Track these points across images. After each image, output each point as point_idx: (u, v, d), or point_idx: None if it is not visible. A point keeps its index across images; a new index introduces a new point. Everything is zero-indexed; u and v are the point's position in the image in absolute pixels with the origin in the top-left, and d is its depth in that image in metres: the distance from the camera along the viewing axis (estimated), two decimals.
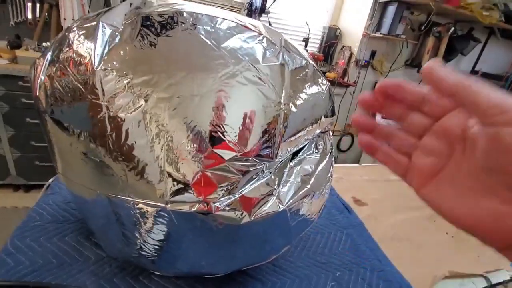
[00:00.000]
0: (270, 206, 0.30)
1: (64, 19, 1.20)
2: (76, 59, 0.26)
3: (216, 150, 0.25)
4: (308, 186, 0.36)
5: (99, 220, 0.37)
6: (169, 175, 0.25)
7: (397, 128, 0.22)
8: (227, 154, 0.25)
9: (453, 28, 1.81)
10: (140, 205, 0.29)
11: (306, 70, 0.30)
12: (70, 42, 0.27)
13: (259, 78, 0.26)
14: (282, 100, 0.28)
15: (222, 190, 0.26)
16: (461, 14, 1.75)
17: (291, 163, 0.35)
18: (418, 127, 0.20)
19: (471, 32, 1.96)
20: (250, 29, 0.27)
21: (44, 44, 1.34)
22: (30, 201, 1.37)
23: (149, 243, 0.34)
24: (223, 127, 0.25)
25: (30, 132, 1.36)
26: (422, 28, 1.82)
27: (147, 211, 0.29)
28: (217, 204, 0.26)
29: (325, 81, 0.32)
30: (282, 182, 0.33)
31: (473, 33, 1.95)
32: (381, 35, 1.77)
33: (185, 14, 0.25)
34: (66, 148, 0.32)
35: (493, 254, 0.61)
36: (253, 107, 0.26)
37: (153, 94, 0.24)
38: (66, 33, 0.28)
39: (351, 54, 1.92)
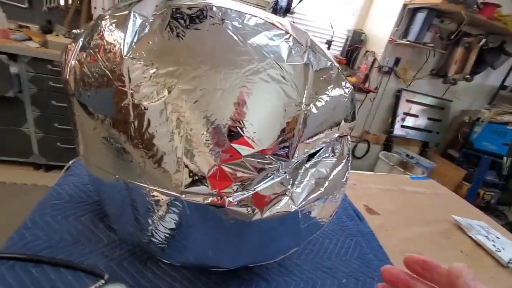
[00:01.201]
0: (282, 206, 0.30)
1: (95, 7, 1.24)
2: (106, 46, 0.27)
3: (234, 145, 0.25)
4: (322, 189, 0.35)
5: (114, 203, 0.38)
6: (186, 166, 0.26)
7: None
8: (244, 150, 0.25)
9: (484, 40, 1.73)
10: (155, 193, 0.29)
11: (331, 72, 0.30)
12: (102, 29, 0.28)
13: (283, 77, 0.26)
14: (303, 101, 0.27)
15: (236, 185, 0.26)
16: (494, 26, 1.67)
17: (306, 165, 0.35)
18: None
19: (503, 45, 1.88)
20: (278, 27, 0.27)
21: (74, 31, 1.39)
22: (49, 180, 1.43)
23: (160, 231, 0.35)
24: (242, 122, 0.25)
25: (55, 114, 1.42)
26: (452, 38, 1.75)
27: (161, 199, 0.30)
28: (230, 199, 0.27)
29: (348, 85, 0.32)
30: (296, 183, 0.32)
31: (505, 46, 1.87)
32: (408, 42, 1.72)
33: (214, 9, 0.26)
34: (89, 131, 0.33)
35: (508, 276, 0.59)
36: (274, 105, 0.26)
37: (177, 85, 0.25)
38: (98, 21, 0.29)
39: (375, 59, 1.88)
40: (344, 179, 0.40)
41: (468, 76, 1.92)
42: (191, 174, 0.26)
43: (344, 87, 0.32)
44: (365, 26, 1.99)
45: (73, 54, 0.30)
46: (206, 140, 0.25)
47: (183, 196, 0.27)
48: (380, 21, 1.87)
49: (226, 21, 0.26)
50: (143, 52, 0.25)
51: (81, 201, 0.50)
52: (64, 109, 1.32)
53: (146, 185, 0.29)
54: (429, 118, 2.19)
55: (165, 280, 0.40)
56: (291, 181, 0.32)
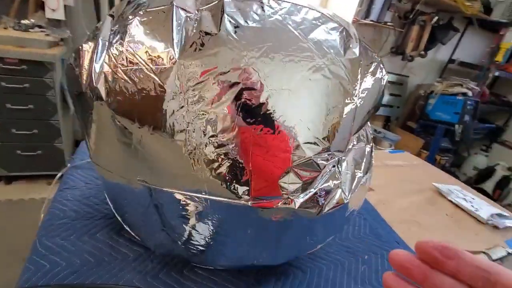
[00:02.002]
0: (337, 199, 0.30)
1: None
2: (148, 47, 0.24)
3: (303, 146, 0.25)
4: (358, 177, 0.36)
5: (140, 210, 0.36)
6: (253, 172, 0.25)
7: None
8: (311, 150, 0.25)
9: (436, 17, 1.87)
10: (203, 201, 0.28)
11: (374, 63, 0.30)
12: (136, 27, 0.25)
13: (342, 72, 0.25)
14: (357, 94, 0.27)
15: (304, 185, 0.26)
16: (445, 4, 1.81)
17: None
18: None
19: (451, 21, 2.05)
20: (332, 20, 0.26)
21: (23, 21, 1.19)
22: (13, 193, 1.27)
23: (198, 236, 0.33)
24: (309, 122, 0.24)
25: (12, 119, 1.23)
26: (410, 17, 1.86)
27: (205, 206, 0.28)
28: (298, 200, 0.26)
29: (384, 74, 0.32)
30: (342, 174, 0.33)
31: (453, 23, 2.04)
32: (371, 22, 1.80)
33: (271, 2, 0.24)
34: (114, 139, 0.29)
35: (489, 232, 0.67)
36: (336, 102, 0.26)
37: (240, 87, 0.23)
38: (129, 17, 0.26)
39: None
40: (371, 162, 0.41)
41: (422, 52, 2.08)
42: (261, 181, 0.25)
43: (381, 77, 0.32)
44: (329, 7, 2.02)
45: (96, 56, 0.27)
46: (275, 144, 0.24)
47: (250, 202, 0.26)
48: (343, 1, 1.91)
49: (285, 15, 0.24)
50: (198, 53, 0.23)
51: (90, 216, 0.45)
52: (24, 112, 1.14)
53: (202, 195, 0.27)
54: (390, 94, 2.34)
55: (206, 285, 0.38)
56: (338, 173, 0.32)
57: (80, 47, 0.29)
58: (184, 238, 0.35)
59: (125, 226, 0.42)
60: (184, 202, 0.30)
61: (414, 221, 0.71)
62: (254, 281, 0.41)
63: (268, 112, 0.24)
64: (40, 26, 1.14)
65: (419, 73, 2.40)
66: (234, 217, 0.30)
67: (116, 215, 0.43)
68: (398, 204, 0.76)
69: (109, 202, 0.43)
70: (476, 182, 2.33)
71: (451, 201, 0.82)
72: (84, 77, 0.28)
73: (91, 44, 0.28)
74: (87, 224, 0.44)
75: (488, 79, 2.19)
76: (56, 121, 1.20)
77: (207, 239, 0.34)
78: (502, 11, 2.04)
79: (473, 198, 0.83)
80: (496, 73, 2.18)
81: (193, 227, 0.33)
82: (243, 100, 0.23)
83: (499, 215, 0.75)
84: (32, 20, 1.13)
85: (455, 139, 2.17)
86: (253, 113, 0.24)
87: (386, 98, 2.34)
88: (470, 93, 2.12)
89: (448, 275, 0.15)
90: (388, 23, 1.86)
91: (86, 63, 0.28)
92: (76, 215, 0.45)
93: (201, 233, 0.33)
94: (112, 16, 0.30)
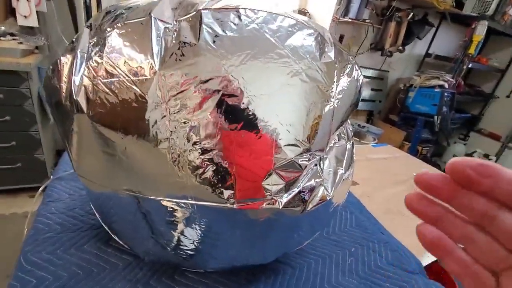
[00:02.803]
0: (320, 196, 0.32)
1: (17, 0, 1.04)
2: (127, 59, 0.24)
3: (284, 148, 0.26)
4: (340, 173, 0.38)
5: (127, 219, 0.36)
6: (238, 176, 0.25)
7: (479, 229, 0.14)
8: (293, 151, 0.26)
9: (412, 14, 1.94)
10: (190, 206, 0.29)
11: (348, 64, 0.31)
12: (115, 39, 0.25)
13: (319, 76, 0.27)
14: (334, 95, 0.29)
15: (287, 185, 0.27)
16: (419, 0, 1.87)
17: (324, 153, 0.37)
18: None
19: (426, 17, 2.12)
20: (307, 26, 0.27)
21: None
22: None
23: (186, 240, 0.34)
24: (289, 125, 0.26)
25: None
26: (387, 13, 1.91)
27: (192, 211, 0.29)
28: (281, 200, 0.27)
29: (359, 73, 0.34)
30: (324, 172, 0.34)
31: (428, 18, 2.11)
32: (350, 20, 1.83)
33: (247, 11, 0.25)
34: (98, 149, 0.29)
35: None
36: (314, 104, 0.27)
37: (220, 94, 0.24)
38: (106, 29, 0.26)
39: None
40: (353, 158, 0.43)
41: (400, 47, 2.14)
42: (245, 183, 0.25)
43: (356, 76, 0.34)
44: (309, 6, 2.05)
45: (75, 69, 0.27)
46: (257, 147, 0.25)
47: (236, 205, 0.27)
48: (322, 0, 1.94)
49: (262, 24, 0.25)
50: (178, 63, 0.23)
51: (76, 228, 0.45)
52: (0, 124, 1.09)
53: (188, 201, 0.28)
54: (372, 89, 2.40)
55: None
56: (320, 171, 0.33)
57: (58, 60, 0.29)
58: (173, 244, 0.35)
59: (112, 235, 0.41)
60: (171, 209, 0.31)
61: (398, 211, 0.74)
62: (245, 281, 0.41)
63: (249, 117, 0.25)
64: (12, 34, 1.10)
65: (398, 67, 2.47)
66: (221, 221, 0.31)
67: (103, 224, 0.42)
68: (382, 196, 0.79)
69: (96, 212, 0.43)
70: None
71: None
72: (64, 89, 0.28)
73: (69, 56, 0.28)
74: (73, 237, 0.43)
75: (462, 71, 2.29)
76: (35, 132, 1.16)
77: (196, 243, 0.34)
78: (473, 5, 2.13)
79: None
80: (470, 65, 2.28)
81: (182, 233, 0.33)
82: (224, 106, 0.24)
83: None
84: (3, 28, 1.08)
85: (435, 130, 2.25)
86: (235, 119, 0.24)
87: (368, 93, 2.40)
88: (446, 85, 2.21)
89: (480, 194, 0.14)
90: (367, 20, 1.91)
91: (65, 75, 0.28)
92: (61, 228, 0.44)
93: (189, 238, 0.33)
94: (89, 27, 0.30)
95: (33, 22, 1.10)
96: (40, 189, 0.54)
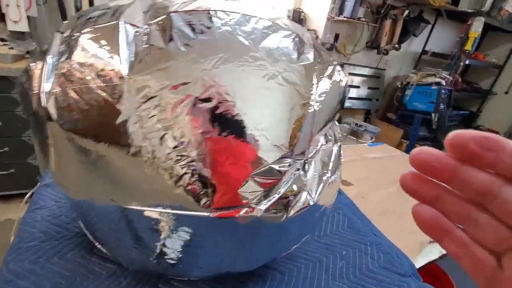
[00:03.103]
0: (303, 201, 0.31)
1: (7, 5, 1.03)
2: (96, 64, 0.23)
3: (260, 154, 0.25)
4: (326, 177, 0.37)
5: (108, 228, 0.35)
6: (213, 184, 0.25)
7: (480, 208, 0.14)
8: (271, 157, 0.25)
9: (407, 11, 1.93)
10: (167, 215, 0.28)
11: (330, 66, 0.30)
12: (83, 44, 0.24)
13: (296, 78, 0.26)
14: (314, 98, 0.28)
15: (265, 192, 0.26)
16: None
17: (309, 157, 0.36)
18: None
19: (421, 14, 2.11)
20: (284, 28, 0.27)
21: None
22: None
23: (170, 249, 0.33)
24: (267, 130, 0.25)
25: None
26: (382, 11, 1.91)
27: (169, 220, 0.28)
28: (260, 207, 0.27)
29: (343, 75, 0.33)
30: (308, 177, 0.33)
31: (423, 15, 2.11)
32: (344, 18, 1.83)
33: (219, 13, 0.24)
34: (74, 157, 0.29)
35: None
36: (291, 107, 0.26)
37: (193, 100, 0.23)
38: (75, 34, 0.25)
39: (317, 37, 1.95)
40: (341, 160, 0.42)
41: (396, 45, 2.14)
42: (221, 191, 0.25)
43: (339, 78, 0.33)
44: (303, 5, 2.04)
45: (44, 76, 0.26)
46: (233, 154, 0.24)
47: (212, 214, 0.26)
48: None
49: (235, 26, 0.24)
50: (148, 68, 0.23)
51: (60, 236, 0.44)
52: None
53: (164, 210, 0.27)
54: (369, 88, 2.39)
55: None
56: (304, 176, 0.33)
57: (29, 67, 0.28)
58: (155, 253, 0.34)
59: (96, 244, 0.41)
60: (152, 218, 0.30)
61: (393, 210, 0.73)
62: None
63: (224, 122, 0.24)
64: (2, 40, 1.09)
65: (395, 65, 2.47)
66: (203, 229, 0.30)
67: (87, 233, 0.42)
68: (377, 196, 0.78)
69: (79, 220, 0.42)
70: None
71: None
72: (35, 97, 0.27)
73: (39, 63, 0.27)
74: (57, 245, 0.42)
75: (459, 68, 2.28)
76: (28, 137, 1.16)
77: (178, 252, 0.33)
78: (469, 1, 2.12)
79: None
80: (467, 62, 2.27)
81: (164, 242, 0.33)
82: (198, 112, 0.23)
83: None
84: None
85: (432, 127, 2.24)
86: (209, 125, 0.24)
87: (365, 92, 2.39)
88: (443, 82, 2.20)
89: (482, 169, 0.13)
90: (362, 19, 1.90)
91: (35, 82, 0.27)
92: (45, 236, 0.43)
93: (172, 247, 0.33)
94: (61, 32, 0.29)
95: (23, 27, 1.09)
96: (27, 196, 0.53)
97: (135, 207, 0.29)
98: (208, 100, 0.23)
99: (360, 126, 2.11)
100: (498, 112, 2.69)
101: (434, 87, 2.16)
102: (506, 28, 2.34)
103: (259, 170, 0.25)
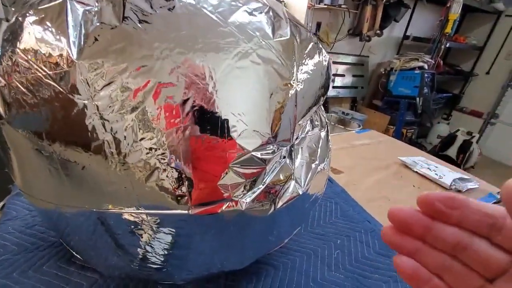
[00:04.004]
0: (291, 191, 0.29)
1: None
2: (42, 50, 0.20)
3: (239, 142, 0.22)
4: (314, 164, 0.35)
5: (84, 236, 0.32)
6: (187, 178, 0.22)
7: (454, 258, 0.15)
8: (250, 144, 0.23)
9: None
10: (143, 216, 0.25)
11: (310, 43, 0.28)
12: (28, 30, 0.21)
13: (273, 55, 0.23)
14: (294, 78, 0.26)
15: (248, 183, 0.24)
16: None
17: (296, 144, 0.34)
18: (486, 263, 0.14)
19: None
20: (255, 0, 0.24)
21: None
22: None
23: (154, 252, 0.31)
24: (243, 114, 0.22)
25: None
26: None
27: (149, 221, 0.26)
28: (244, 200, 0.24)
29: (325, 54, 0.31)
30: (295, 164, 0.31)
31: (403, 0, 2.11)
32: (325, 6, 1.81)
33: None
34: (33, 161, 0.26)
35: None
36: (270, 88, 0.24)
37: (156, 84, 0.20)
38: (19, 19, 0.22)
39: None
40: (329, 147, 0.40)
41: (378, 31, 2.14)
42: (199, 185, 0.22)
43: (322, 57, 0.31)
44: None
45: None
46: (207, 143, 0.22)
47: (191, 211, 0.23)
48: None
49: None
50: (100, 51, 0.20)
51: (34, 248, 0.41)
52: None
53: (139, 210, 0.24)
54: (353, 75, 2.39)
55: None
56: (290, 164, 0.31)
57: None
58: (138, 258, 0.32)
59: (74, 253, 0.38)
60: (130, 220, 0.27)
61: (384, 197, 0.72)
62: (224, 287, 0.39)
63: (194, 108, 0.21)
64: None
65: (378, 52, 2.47)
66: (185, 228, 0.28)
67: (63, 242, 0.38)
68: (367, 183, 0.77)
69: (51, 231, 0.39)
70: (441, 150, 2.46)
71: (417, 172, 0.85)
72: None
73: None
74: (31, 257, 0.39)
75: (441, 51, 2.30)
76: None
77: (162, 256, 0.31)
78: None
79: (436, 167, 0.87)
80: (448, 45, 2.30)
81: (146, 245, 0.30)
82: (164, 98, 0.21)
83: (461, 179, 0.79)
84: None
85: (418, 112, 2.27)
86: (177, 112, 0.21)
87: (350, 80, 2.39)
88: (426, 66, 2.22)
89: (451, 224, 0.15)
90: (342, 6, 1.88)
91: None
92: (18, 249, 0.40)
93: (155, 251, 0.30)
94: (7, 20, 0.26)
95: None
96: None
97: (108, 210, 0.27)
98: (173, 84, 0.21)
99: (347, 114, 2.12)
100: (480, 93, 2.75)
101: (417, 71, 2.18)
102: (486, 9, 2.37)
103: (239, 160, 0.23)
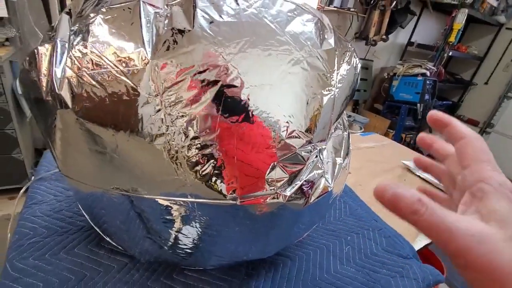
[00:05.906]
0: (322, 188, 0.31)
1: None
2: (114, 47, 0.22)
3: (287, 140, 0.25)
4: (338, 164, 0.37)
5: (120, 218, 0.34)
6: (241, 170, 0.24)
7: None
8: (296, 143, 0.25)
9: (395, 2, 1.95)
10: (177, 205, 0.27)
11: (348, 51, 0.30)
12: (97, 26, 0.23)
13: (320, 63, 0.26)
14: (334, 84, 0.28)
15: (290, 178, 0.26)
16: None
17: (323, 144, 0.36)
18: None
19: (408, 5, 2.14)
20: (307, 11, 0.26)
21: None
22: None
23: (185, 239, 0.33)
24: (292, 116, 0.24)
25: None
26: (371, 1, 1.92)
27: (181, 209, 0.28)
28: (285, 193, 0.26)
29: (357, 62, 0.33)
30: (324, 163, 0.34)
31: (410, 7, 2.14)
32: (335, 8, 1.83)
33: None
34: (85, 148, 0.27)
35: None
36: (315, 93, 0.26)
37: (220, 85, 0.22)
38: (85, 14, 0.23)
39: None
40: (349, 148, 0.42)
41: (384, 36, 2.17)
42: (248, 179, 0.24)
43: (354, 65, 0.33)
44: None
45: (55, 60, 0.24)
46: (260, 141, 0.24)
47: (239, 201, 0.25)
48: None
49: (261, 8, 0.23)
50: (172, 51, 0.22)
51: (64, 231, 0.42)
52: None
53: (189, 199, 0.27)
54: None
55: (198, 286, 0.38)
56: (320, 163, 0.33)
57: (36, 50, 0.26)
58: (170, 243, 0.34)
59: (105, 236, 0.40)
60: (167, 207, 0.29)
61: None
62: (245, 275, 0.41)
63: (250, 109, 0.23)
64: None
65: (382, 56, 2.50)
66: (222, 217, 0.30)
67: (94, 226, 0.40)
68: (374, 184, 0.79)
69: (85, 214, 0.41)
70: None
71: (419, 176, 0.88)
72: (44, 83, 0.25)
73: (48, 46, 0.25)
74: (62, 240, 0.41)
75: (443, 59, 2.34)
76: (11, 130, 1.10)
77: (195, 241, 0.33)
78: None
79: None
80: (450, 53, 2.33)
81: (179, 231, 0.32)
82: (223, 98, 0.23)
83: None
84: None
85: (418, 117, 2.31)
86: (235, 111, 0.23)
87: None
88: (428, 73, 2.26)
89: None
90: (351, 9, 1.90)
91: (44, 67, 0.25)
92: (48, 232, 0.42)
93: (188, 236, 0.32)
94: (69, 14, 0.27)
95: (2, 12, 1.02)
96: (22, 191, 0.51)
97: (151, 197, 0.29)
98: (233, 86, 0.23)
99: (350, 116, 2.15)
100: (478, 102, 2.80)
101: (419, 78, 2.21)
102: (488, 21, 2.42)
103: (285, 157, 0.25)
